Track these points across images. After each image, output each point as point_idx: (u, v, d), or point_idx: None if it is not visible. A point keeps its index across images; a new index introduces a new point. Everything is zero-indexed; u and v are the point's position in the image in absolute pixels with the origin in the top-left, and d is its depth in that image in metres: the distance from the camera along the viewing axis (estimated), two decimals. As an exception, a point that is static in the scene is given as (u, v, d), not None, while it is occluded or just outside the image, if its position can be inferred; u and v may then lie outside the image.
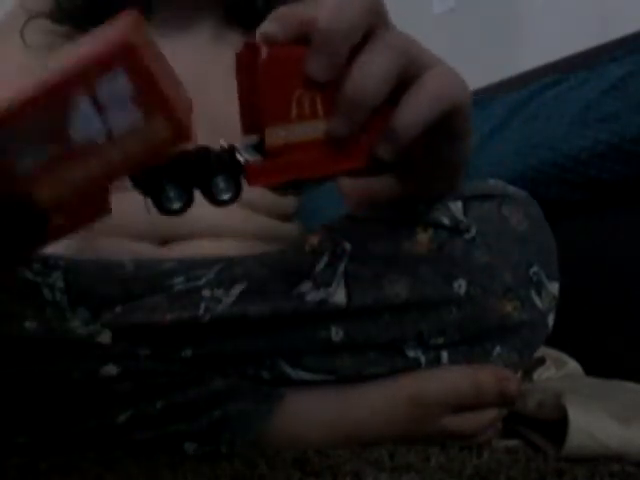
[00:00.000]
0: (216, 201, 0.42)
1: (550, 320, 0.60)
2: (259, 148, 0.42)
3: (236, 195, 0.43)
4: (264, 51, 0.40)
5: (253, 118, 0.42)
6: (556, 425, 0.59)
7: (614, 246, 0.96)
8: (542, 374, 0.78)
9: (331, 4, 0.41)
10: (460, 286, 0.56)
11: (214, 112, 0.73)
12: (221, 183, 0.42)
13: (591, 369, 0.82)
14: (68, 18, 0.75)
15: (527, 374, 0.75)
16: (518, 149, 1.06)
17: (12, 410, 0.55)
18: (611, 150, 0.93)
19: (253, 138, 0.43)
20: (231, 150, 0.42)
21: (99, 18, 0.73)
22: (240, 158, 0.42)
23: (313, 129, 0.41)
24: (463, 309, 0.56)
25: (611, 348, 0.94)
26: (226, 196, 0.42)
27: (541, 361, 0.79)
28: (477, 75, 1.57)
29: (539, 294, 0.59)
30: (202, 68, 0.77)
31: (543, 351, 0.82)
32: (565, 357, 0.84)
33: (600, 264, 0.97)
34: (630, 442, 0.57)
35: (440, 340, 0.57)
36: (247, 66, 0.41)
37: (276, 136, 0.40)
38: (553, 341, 0.84)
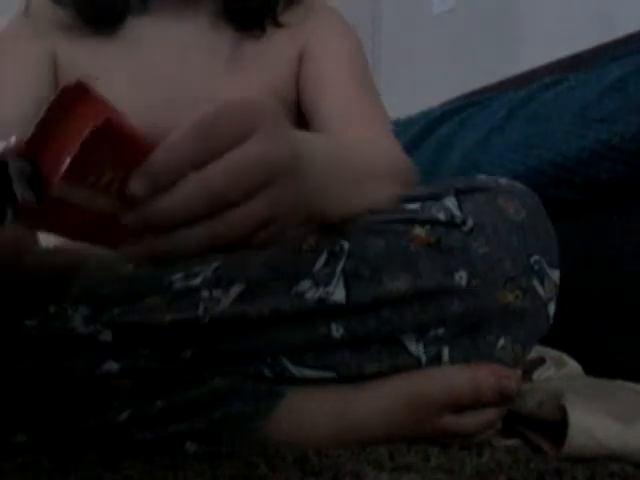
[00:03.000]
0: None
1: (551, 309, 0.60)
2: (33, 183, 0.39)
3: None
4: (100, 120, 0.37)
5: (43, 145, 0.38)
6: (556, 425, 0.59)
7: (614, 246, 0.96)
8: (542, 374, 0.78)
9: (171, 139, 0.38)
10: (461, 277, 0.56)
11: (196, 96, 0.74)
12: None
13: (591, 369, 0.82)
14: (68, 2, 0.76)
15: (527, 374, 0.75)
16: (518, 149, 1.06)
17: (12, 407, 0.55)
18: (611, 150, 0.93)
19: (26, 165, 0.39)
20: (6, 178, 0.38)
21: (95, 3, 0.76)
22: (16, 190, 0.38)
23: (97, 202, 0.39)
24: (464, 300, 0.57)
25: (611, 348, 0.94)
26: None
27: (541, 361, 0.79)
28: (477, 75, 1.58)
29: (542, 282, 0.59)
30: (193, 54, 0.78)
31: (543, 351, 0.82)
32: (565, 357, 0.84)
33: (600, 264, 0.97)
34: (630, 442, 0.57)
35: (440, 331, 0.57)
36: (70, 104, 0.38)
37: (61, 191, 0.38)
38: (553, 341, 0.84)
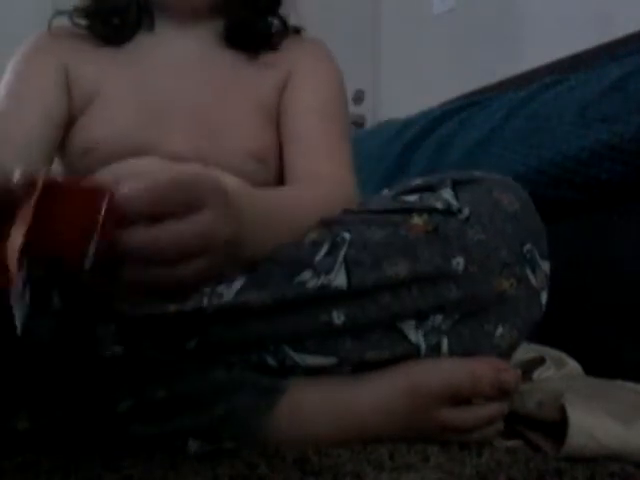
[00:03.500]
0: None
1: (543, 298, 0.62)
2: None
3: None
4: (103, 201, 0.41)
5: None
6: (556, 425, 0.59)
7: (614, 246, 0.96)
8: (542, 374, 0.78)
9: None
10: (458, 263, 0.58)
11: (200, 115, 0.77)
12: None
13: (591, 369, 0.82)
14: (83, 18, 0.81)
15: (527, 374, 0.75)
16: (518, 149, 1.06)
17: (15, 391, 0.55)
18: (611, 150, 0.93)
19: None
20: None
21: (108, 20, 0.80)
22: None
23: None
24: (462, 286, 0.58)
25: (611, 348, 0.94)
26: None
27: (541, 361, 0.79)
28: (477, 75, 1.58)
29: (533, 271, 0.61)
30: (193, 72, 0.81)
31: (543, 351, 0.82)
32: (565, 357, 0.84)
33: (600, 264, 0.97)
34: (630, 442, 0.57)
35: (439, 318, 0.58)
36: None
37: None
38: (553, 341, 0.84)
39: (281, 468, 0.51)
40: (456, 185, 0.61)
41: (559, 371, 0.80)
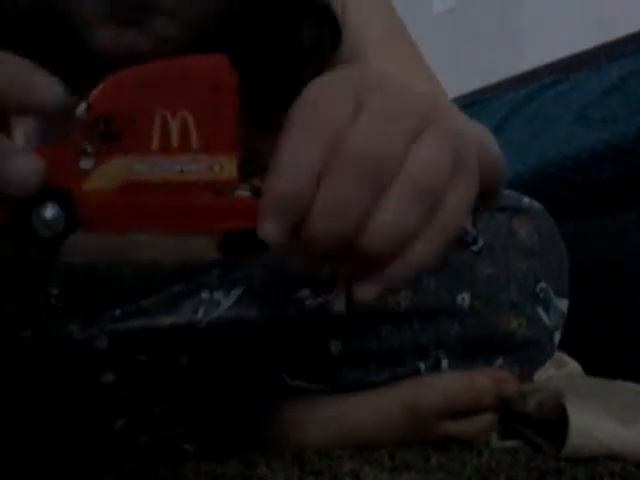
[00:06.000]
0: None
1: (557, 337, 0.60)
2: None
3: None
4: None
5: None
6: (556, 425, 0.59)
7: (614, 246, 0.96)
8: (542, 374, 0.78)
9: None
10: (464, 299, 0.56)
11: None
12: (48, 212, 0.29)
13: (591, 369, 0.82)
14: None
15: (527, 374, 0.75)
16: (518, 149, 1.06)
17: (13, 415, 0.55)
18: (611, 150, 0.93)
19: None
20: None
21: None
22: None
23: (181, 166, 0.29)
24: (466, 324, 0.56)
25: (611, 348, 0.94)
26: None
27: (541, 361, 0.79)
28: (477, 75, 1.58)
29: (546, 311, 0.58)
30: None
31: (543, 351, 0.82)
32: (565, 357, 0.83)
33: (600, 264, 0.97)
34: (630, 442, 0.57)
35: (441, 353, 0.57)
36: None
37: (129, 169, 0.29)
38: (553, 341, 0.84)
39: (281, 468, 0.51)
40: (476, 210, 0.57)
41: (559, 371, 0.80)
